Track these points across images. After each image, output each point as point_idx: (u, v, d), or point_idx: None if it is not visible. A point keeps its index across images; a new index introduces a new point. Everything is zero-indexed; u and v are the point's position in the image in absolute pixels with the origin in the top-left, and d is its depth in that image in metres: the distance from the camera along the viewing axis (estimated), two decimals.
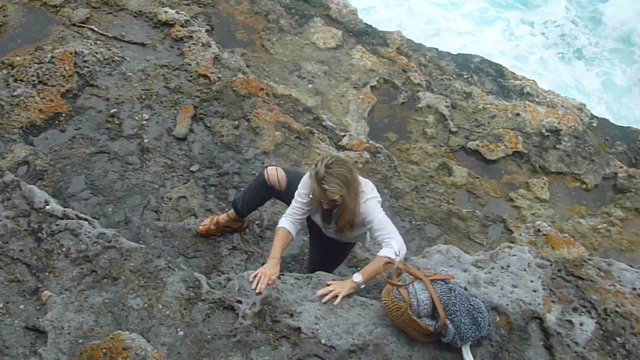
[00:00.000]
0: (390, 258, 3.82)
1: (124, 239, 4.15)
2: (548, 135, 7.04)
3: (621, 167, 6.96)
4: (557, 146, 6.98)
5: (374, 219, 3.95)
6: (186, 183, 5.45)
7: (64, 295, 3.80)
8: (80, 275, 3.91)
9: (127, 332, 3.22)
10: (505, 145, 6.83)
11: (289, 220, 4.17)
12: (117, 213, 5.14)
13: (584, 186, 6.79)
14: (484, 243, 5.77)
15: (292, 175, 4.44)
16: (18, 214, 4.12)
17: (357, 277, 3.90)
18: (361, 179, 4.02)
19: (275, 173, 4.44)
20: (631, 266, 4.44)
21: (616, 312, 4.02)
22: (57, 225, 4.09)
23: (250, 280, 3.99)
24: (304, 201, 4.11)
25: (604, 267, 4.29)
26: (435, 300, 3.62)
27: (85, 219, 4.25)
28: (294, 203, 4.17)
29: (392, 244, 3.87)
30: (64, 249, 4.00)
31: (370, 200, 4.00)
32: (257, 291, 3.92)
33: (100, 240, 4.06)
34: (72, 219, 4.17)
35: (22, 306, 3.77)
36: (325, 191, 3.79)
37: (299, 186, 4.15)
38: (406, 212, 5.77)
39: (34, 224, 4.10)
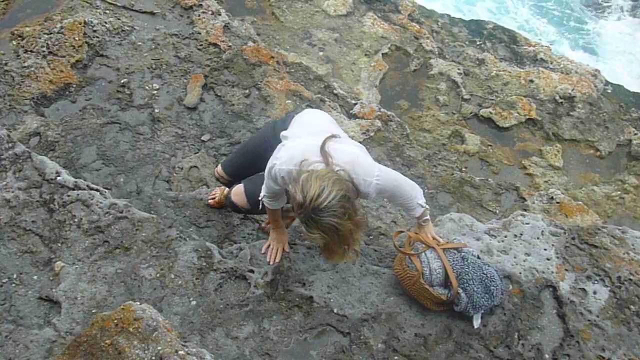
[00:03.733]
0: (425, 208, 3.71)
1: (136, 209, 4.16)
2: (562, 102, 6.96)
3: (636, 134, 6.88)
4: (571, 113, 6.91)
5: (389, 194, 3.56)
6: (197, 153, 5.44)
7: (76, 266, 3.82)
8: (92, 245, 3.92)
9: (138, 303, 3.22)
10: (518, 113, 6.77)
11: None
12: (128, 183, 5.14)
13: (598, 153, 6.73)
14: (497, 211, 5.74)
15: None
16: (30, 185, 4.13)
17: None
18: (362, 170, 3.31)
19: None
20: None
21: (630, 280, 4.00)
22: (68, 196, 4.10)
23: (263, 252, 3.99)
24: (277, 188, 3.50)
25: (618, 235, 4.27)
26: (448, 268, 3.61)
27: (97, 190, 4.25)
28: (268, 187, 3.57)
29: (415, 207, 3.65)
30: (75, 220, 4.01)
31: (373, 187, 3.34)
32: (272, 263, 3.92)
33: (111, 211, 4.07)
34: (84, 189, 4.17)
35: (35, 277, 3.79)
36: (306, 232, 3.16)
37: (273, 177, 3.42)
38: (418, 180, 5.74)
39: (45, 195, 4.10)
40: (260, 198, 3.65)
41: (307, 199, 2.94)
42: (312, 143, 3.27)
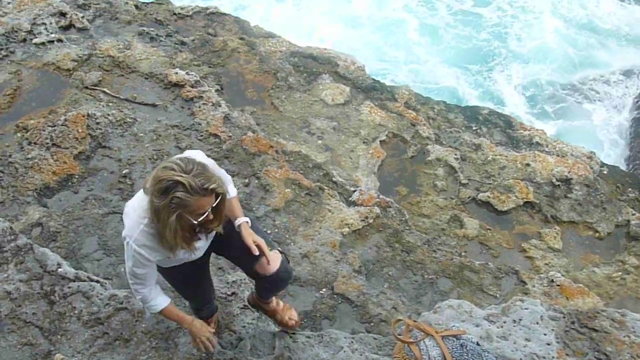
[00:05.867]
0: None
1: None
2: (559, 185, 7.04)
3: (634, 214, 6.93)
4: (569, 195, 6.98)
5: None
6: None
7: (76, 358, 3.82)
8: (92, 337, 3.93)
9: None
10: (516, 196, 6.84)
11: (156, 291, 3.51)
12: None
13: (597, 235, 6.75)
14: (497, 295, 5.74)
15: None
16: (31, 277, 4.16)
17: (243, 218, 3.58)
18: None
19: None
20: None
21: None
22: (69, 287, 4.13)
23: (197, 349, 3.75)
24: (155, 260, 3.29)
25: (617, 318, 4.26)
26: (447, 356, 3.59)
27: (97, 281, 4.28)
28: (141, 275, 3.34)
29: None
30: (76, 312, 4.03)
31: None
32: (209, 351, 3.72)
33: (111, 302, 4.09)
34: (84, 281, 4.21)
35: None
36: (214, 194, 3.02)
37: (142, 256, 3.20)
38: (418, 266, 5.76)
39: (46, 287, 4.13)
40: (149, 313, 3.55)
41: (181, 175, 2.88)
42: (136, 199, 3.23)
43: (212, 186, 2.95)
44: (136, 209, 3.16)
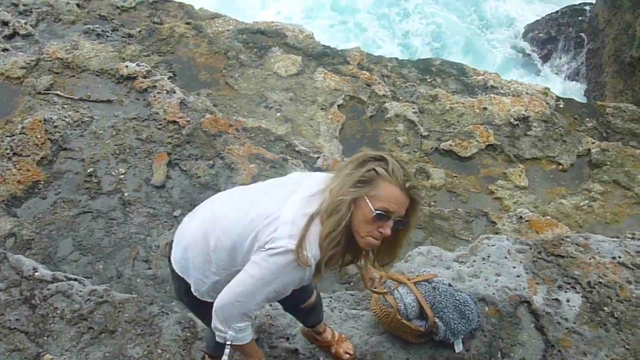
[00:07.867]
0: None
1: (115, 292, 4.25)
2: (517, 124, 7.18)
3: (593, 143, 7.09)
4: (528, 133, 7.11)
5: None
6: (171, 229, 5.53)
7: (65, 357, 3.89)
8: (78, 334, 4.00)
9: None
10: (477, 141, 6.96)
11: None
12: (108, 269, 5.22)
13: (561, 167, 6.90)
14: (470, 239, 5.86)
15: None
16: (9, 285, 4.22)
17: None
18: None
19: None
20: (617, 237, 4.56)
21: (600, 283, 4.13)
22: (48, 289, 4.19)
23: None
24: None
25: (581, 242, 4.40)
26: (421, 300, 3.71)
27: (75, 279, 4.34)
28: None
29: None
30: (58, 312, 4.09)
31: None
32: None
33: (92, 297, 4.16)
34: (62, 280, 4.27)
35: None
36: (409, 197, 2.58)
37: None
38: None
39: (26, 292, 4.19)
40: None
41: (394, 166, 2.49)
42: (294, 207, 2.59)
43: (413, 184, 2.55)
44: (302, 224, 2.53)
